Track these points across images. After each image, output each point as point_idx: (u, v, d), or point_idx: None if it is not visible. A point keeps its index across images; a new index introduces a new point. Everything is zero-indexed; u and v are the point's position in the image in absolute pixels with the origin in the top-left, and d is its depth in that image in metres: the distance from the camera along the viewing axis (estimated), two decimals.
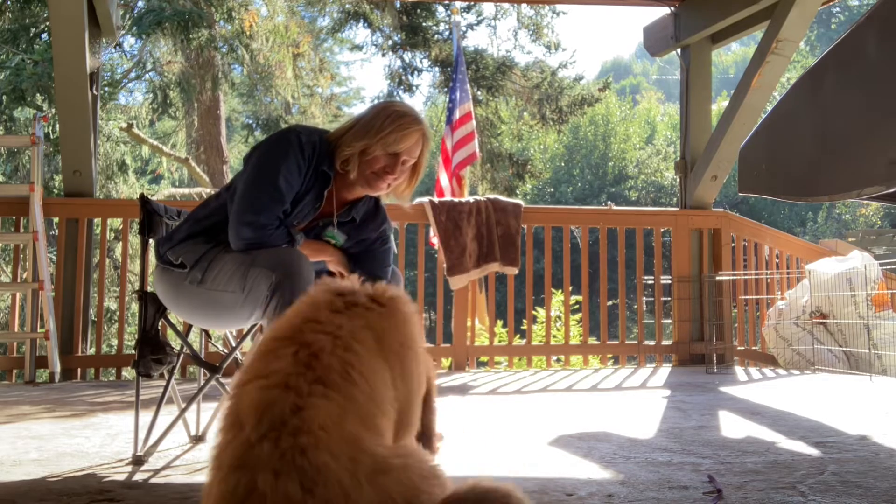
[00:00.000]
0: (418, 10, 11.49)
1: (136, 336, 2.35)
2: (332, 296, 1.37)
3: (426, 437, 1.54)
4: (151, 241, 2.48)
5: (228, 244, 2.19)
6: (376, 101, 2.27)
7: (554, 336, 6.80)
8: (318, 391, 1.16)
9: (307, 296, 1.40)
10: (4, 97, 8.68)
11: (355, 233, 2.35)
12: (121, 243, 6.52)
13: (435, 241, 4.97)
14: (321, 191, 2.23)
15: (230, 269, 2.12)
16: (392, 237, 2.43)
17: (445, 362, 5.12)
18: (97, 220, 4.83)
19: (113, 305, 9.63)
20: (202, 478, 2.06)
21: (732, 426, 2.87)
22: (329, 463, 1.08)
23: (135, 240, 8.48)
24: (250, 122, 15.06)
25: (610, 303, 5.55)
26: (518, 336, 5.82)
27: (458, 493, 1.19)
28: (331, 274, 2.32)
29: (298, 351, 1.22)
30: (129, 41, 12.63)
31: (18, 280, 4.63)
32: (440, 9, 11.79)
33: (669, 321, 5.38)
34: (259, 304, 2.08)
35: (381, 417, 1.25)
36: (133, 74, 12.83)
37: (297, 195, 2.19)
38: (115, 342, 9.35)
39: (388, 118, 2.17)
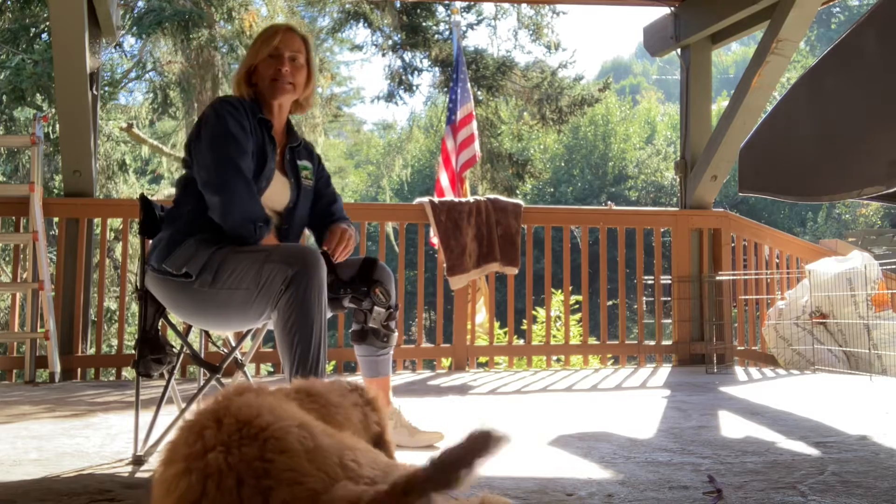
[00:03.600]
0: (418, 10, 11.49)
1: (136, 336, 2.35)
2: None
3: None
4: (151, 242, 2.48)
5: (232, 244, 2.20)
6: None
7: (554, 336, 6.80)
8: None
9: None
10: (4, 97, 8.67)
11: (311, 157, 2.56)
12: (121, 243, 6.52)
13: (435, 240, 4.97)
14: (269, 134, 2.38)
15: (244, 267, 2.14)
16: (329, 177, 2.67)
17: (445, 362, 5.12)
18: (97, 220, 4.83)
19: (113, 305, 9.63)
20: None
21: (732, 426, 2.87)
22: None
23: (135, 240, 8.47)
24: None
25: (610, 303, 5.55)
26: (517, 336, 5.82)
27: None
28: None
29: None
30: (129, 41, 12.63)
31: (18, 280, 4.63)
32: (440, 9, 11.79)
33: (669, 321, 5.38)
34: (271, 299, 2.11)
35: None
36: (133, 74, 12.84)
37: (256, 149, 2.32)
38: (115, 342, 9.35)
39: (255, 39, 2.44)
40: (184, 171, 2.40)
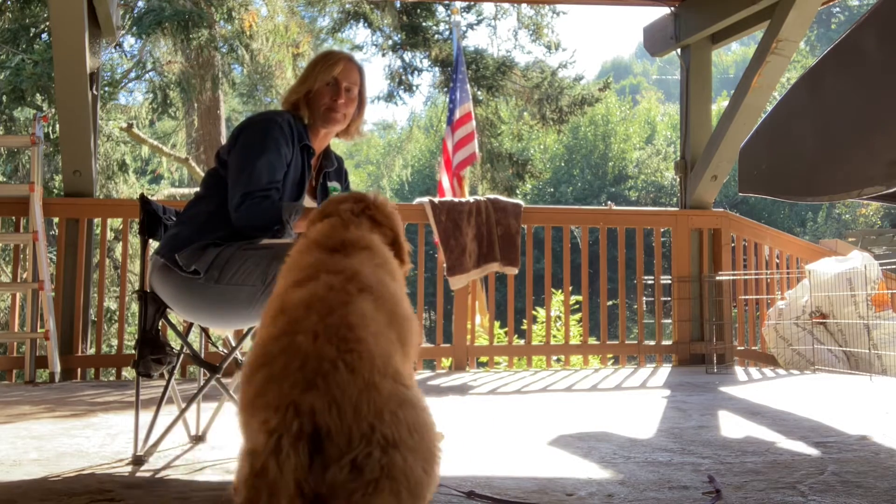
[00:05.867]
0: (418, 10, 11.49)
1: (136, 336, 2.35)
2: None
3: None
4: (151, 242, 2.48)
5: (241, 243, 2.21)
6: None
7: (554, 336, 6.80)
8: (365, 297, 1.36)
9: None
10: (4, 97, 8.66)
11: (339, 176, 2.60)
12: (121, 243, 6.52)
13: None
14: (309, 161, 2.42)
15: (251, 265, 2.16)
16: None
17: (445, 362, 5.12)
18: (97, 220, 4.83)
19: (113, 305, 9.62)
20: (202, 477, 2.06)
21: (732, 426, 2.87)
22: (368, 340, 1.24)
23: (135, 240, 8.46)
24: None
25: (610, 303, 5.56)
26: (517, 336, 5.82)
27: None
28: None
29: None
30: (129, 41, 12.65)
31: (18, 280, 4.63)
32: (440, 9, 11.78)
33: (669, 321, 5.38)
34: None
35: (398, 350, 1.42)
36: (133, 74, 12.84)
37: (294, 178, 2.37)
38: (115, 342, 9.35)
39: (316, 62, 2.46)
40: (214, 169, 2.39)
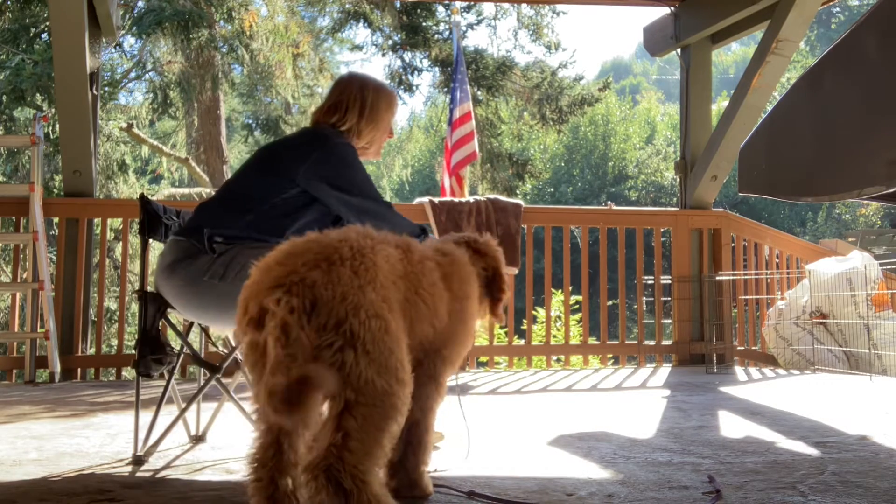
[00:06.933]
0: (418, 10, 11.49)
1: (136, 336, 2.35)
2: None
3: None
4: (152, 241, 2.48)
5: (247, 242, 2.21)
6: (344, 78, 2.70)
7: (554, 336, 6.80)
8: (400, 254, 1.60)
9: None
10: (4, 97, 8.66)
11: None
12: (121, 243, 6.52)
13: None
14: None
15: (253, 265, 2.14)
16: None
17: None
18: (97, 220, 4.83)
19: (113, 305, 9.62)
20: (202, 477, 2.06)
21: (732, 426, 2.87)
22: (381, 266, 1.49)
23: (135, 240, 8.46)
24: (250, 122, 15.03)
25: (610, 303, 5.56)
26: (517, 336, 5.82)
27: None
28: None
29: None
30: (129, 41, 12.64)
31: (18, 280, 4.63)
32: (440, 9, 11.78)
33: (669, 321, 5.38)
34: None
35: (427, 321, 1.63)
36: (133, 74, 12.84)
37: None
38: (115, 342, 9.34)
39: (388, 106, 2.62)
40: (259, 176, 2.36)
